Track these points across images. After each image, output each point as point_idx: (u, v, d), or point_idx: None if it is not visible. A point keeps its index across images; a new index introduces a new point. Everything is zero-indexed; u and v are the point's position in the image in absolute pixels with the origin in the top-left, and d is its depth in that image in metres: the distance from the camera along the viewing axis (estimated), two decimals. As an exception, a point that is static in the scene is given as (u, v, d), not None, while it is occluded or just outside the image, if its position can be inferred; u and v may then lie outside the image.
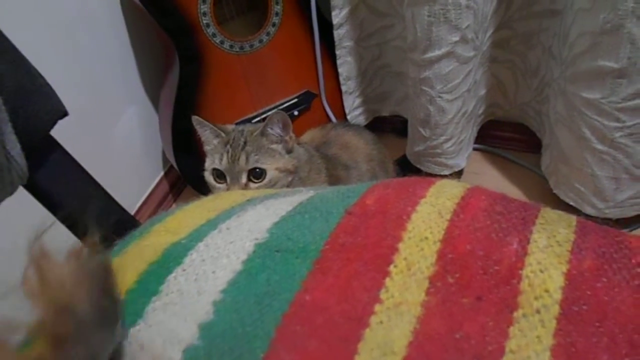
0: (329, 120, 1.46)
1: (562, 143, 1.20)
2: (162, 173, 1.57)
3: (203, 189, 1.42)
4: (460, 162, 1.36)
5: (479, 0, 1.09)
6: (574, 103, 1.10)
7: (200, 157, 1.36)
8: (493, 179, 1.47)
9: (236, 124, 1.35)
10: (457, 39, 1.10)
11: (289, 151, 0.96)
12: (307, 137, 1.14)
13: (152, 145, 1.52)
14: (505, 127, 1.50)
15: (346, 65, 1.41)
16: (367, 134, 1.17)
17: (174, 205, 1.58)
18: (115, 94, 1.37)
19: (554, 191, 1.29)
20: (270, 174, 0.92)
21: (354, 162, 1.11)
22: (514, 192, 1.43)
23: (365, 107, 1.51)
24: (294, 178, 0.96)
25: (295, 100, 1.40)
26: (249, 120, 1.37)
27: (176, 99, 1.31)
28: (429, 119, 1.26)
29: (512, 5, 1.22)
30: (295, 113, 1.41)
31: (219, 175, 0.93)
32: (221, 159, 0.92)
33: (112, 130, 1.38)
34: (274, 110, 1.38)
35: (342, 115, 1.49)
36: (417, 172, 1.44)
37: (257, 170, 0.91)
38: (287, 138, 0.95)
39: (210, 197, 0.54)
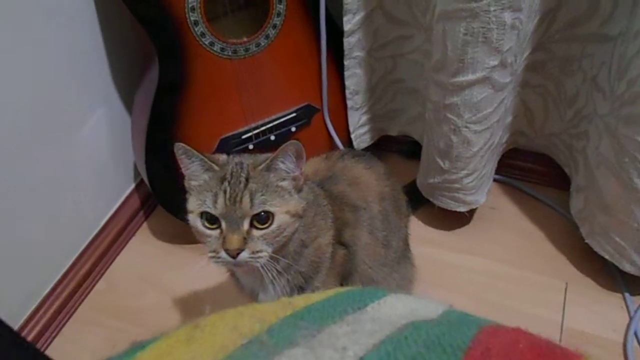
0: (330, 138, 1.27)
1: (603, 189, 1.03)
2: (132, 185, 1.36)
3: (178, 212, 1.23)
4: (480, 198, 1.19)
5: (523, 19, 0.91)
6: (627, 148, 0.93)
7: (178, 175, 1.16)
8: (511, 216, 1.31)
9: (222, 140, 1.16)
10: (495, 63, 0.92)
11: (299, 190, 0.77)
12: (309, 168, 0.95)
13: (123, 153, 1.31)
14: (527, 156, 1.33)
15: (354, 78, 1.22)
16: (379, 167, 0.99)
17: (144, 225, 1.38)
18: (81, 94, 1.16)
19: (586, 240, 1.12)
20: (279, 218, 0.73)
21: (364, 201, 0.92)
22: (535, 233, 1.27)
23: (372, 125, 1.33)
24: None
25: (294, 114, 1.21)
26: (238, 136, 1.17)
27: (153, 106, 1.10)
28: (449, 150, 1.08)
29: (554, 24, 1.04)
30: (293, 129, 1.21)
31: (211, 220, 0.74)
32: (215, 201, 0.72)
33: (76, 135, 1.16)
34: (269, 124, 1.19)
35: (345, 133, 1.30)
36: (426, 203, 1.26)
37: (264, 214, 0.73)
38: (299, 174, 0.76)
39: (220, 318, 0.38)
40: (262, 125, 1.18)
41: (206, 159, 0.74)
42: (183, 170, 0.77)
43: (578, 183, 1.15)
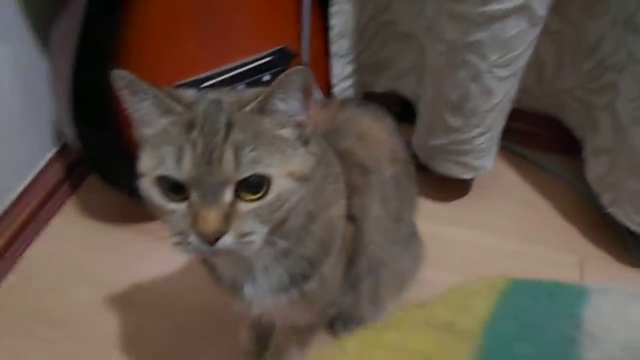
0: (308, 92, 1.04)
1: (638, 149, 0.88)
2: (53, 151, 1.07)
3: (120, 181, 0.96)
4: (489, 163, 1.01)
5: None
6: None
7: (118, 131, 0.89)
8: (515, 185, 1.15)
9: (178, 87, 0.89)
10: (542, -15, 0.73)
11: (306, 142, 0.53)
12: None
13: (38, 109, 1.01)
14: (530, 119, 1.16)
15: (342, 16, 0.99)
16: (389, 121, 0.77)
17: (70, 201, 1.09)
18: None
19: (609, 209, 0.97)
20: (279, 184, 0.49)
21: (374, 162, 0.71)
22: (542, 204, 1.11)
23: (357, 78, 1.11)
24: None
25: (268, 59, 0.96)
26: (197, 84, 0.91)
27: (81, 41, 0.82)
28: (464, 103, 0.88)
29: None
30: (266, 78, 0.97)
31: (174, 187, 0.49)
32: (180, 159, 0.47)
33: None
34: (237, 70, 0.93)
35: (326, 85, 1.07)
36: (421, 170, 1.06)
37: (255, 178, 0.48)
38: (306, 119, 0.52)
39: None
40: (227, 72, 0.93)
41: (162, 95, 0.49)
42: (129, 112, 0.51)
43: (599, 145, 1.00)
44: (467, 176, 1.01)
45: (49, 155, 1.05)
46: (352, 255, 0.69)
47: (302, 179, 0.52)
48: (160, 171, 0.48)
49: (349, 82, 1.10)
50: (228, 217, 0.48)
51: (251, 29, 0.92)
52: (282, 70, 0.99)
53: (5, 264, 0.97)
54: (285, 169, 0.50)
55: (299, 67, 0.48)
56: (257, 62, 0.95)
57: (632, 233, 0.98)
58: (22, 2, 0.93)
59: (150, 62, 0.87)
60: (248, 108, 0.49)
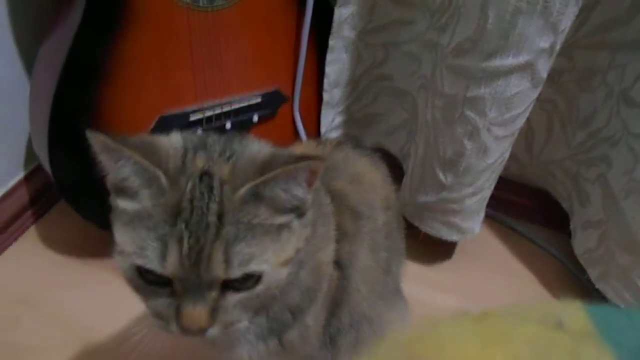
0: (296, 137, 1.01)
1: (632, 223, 0.86)
2: (21, 175, 1.00)
3: (93, 215, 0.89)
4: (476, 226, 0.98)
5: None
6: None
7: (93, 161, 0.84)
8: (498, 254, 1.11)
9: (162, 118, 0.85)
10: (546, 45, 0.72)
11: (303, 214, 0.48)
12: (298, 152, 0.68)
13: (9, 129, 0.95)
14: (517, 189, 1.14)
15: (337, 64, 0.98)
16: (382, 166, 0.74)
17: (31, 229, 1.01)
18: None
19: (597, 285, 0.94)
20: (271, 276, 0.45)
21: (368, 207, 0.66)
22: (525, 275, 1.08)
23: (346, 131, 1.09)
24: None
25: (259, 100, 0.93)
26: (184, 116, 0.87)
27: (67, 62, 0.78)
28: (458, 160, 0.86)
29: (585, 25, 0.88)
30: (255, 119, 0.94)
31: (156, 281, 0.44)
32: (163, 254, 0.41)
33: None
34: (227, 107, 0.88)
35: (314, 134, 1.05)
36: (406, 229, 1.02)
37: (246, 276, 0.43)
38: (307, 198, 0.47)
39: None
40: (217, 107, 0.90)
41: (145, 162, 0.42)
42: (107, 178, 0.46)
43: (588, 218, 0.98)
44: (453, 238, 0.98)
45: (14, 180, 0.98)
46: (335, 306, 0.63)
47: (292, 259, 0.47)
48: (141, 262, 0.42)
49: (337, 133, 1.08)
50: (214, 312, 0.44)
51: (246, 65, 0.90)
52: (272, 114, 0.97)
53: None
54: (279, 259, 0.45)
55: (309, 161, 0.44)
56: (249, 101, 0.92)
57: (619, 311, 0.95)
58: (9, 17, 0.90)
59: (138, 88, 0.83)
60: (242, 191, 0.43)
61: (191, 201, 0.42)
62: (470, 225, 0.96)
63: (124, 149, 0.42)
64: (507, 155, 0.89)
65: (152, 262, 0.42)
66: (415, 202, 0.96)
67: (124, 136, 0.43)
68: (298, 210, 0.47)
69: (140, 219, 0.42)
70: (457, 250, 1.09)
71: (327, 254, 0.57)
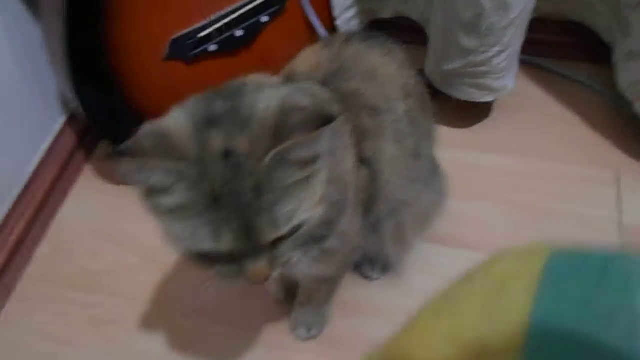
0: (310, 27, 0.98)
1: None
2: (63, 119, 1.05)
3: (126, 139, 0.93)
4: (510, 82, 0.95)
5: None
6: None
7: (119, 87, 0.86)
8: (539, 101, 1.09)
9: (174, 41, 0.85)
10: None
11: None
12: (303, 64, 0.67)
13: (40, 79, 0.99)
14: (552, 27, 1.08)
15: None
16: (398, 52, 0.72)
17: (87, 167, 1.08)
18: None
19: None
20: (311, 216, 0.50)
21: (385, 101, 0.67)
22: (570, 118, 1.06)
23: (361, 7, 1.04)
24: None
25: (263, -1, 0.90)
26: (194, 35, 0.86)
27: (69, 6, 0.78)
28: (478, 22, 0.82)
29: None
30: (264, 19, 0.92)
31: (214, 256, 0.48)
32: (216, 235, 0.45)
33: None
34: (233, 15, 0.86)
35: (328, 19, 1.01)
36: (437, 97, 1.00)
37: (293, 228, 0.48)
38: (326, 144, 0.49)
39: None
40: (223, 18, 0.88)
41: (169, 163, 0.45)
42: (138, 187, 0.48)
43: (630, 48, 0.92)
44: (486, 99, 0.96)
45: (60, 124, 1.04)
46: (370, 201, 0.67)
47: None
48: (197, 246, 0.47)
49: (352, 12, 1.03)
50: (272, 262, 0.49)
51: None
52: (280, 10, 0.94)
53: (35, 236, 0.98)
54: (314, 202, 0.49)
55: (309, 108, 0.47)
56: (252, 2, 0.89)
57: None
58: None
59: (144, 15, 0.82)
60: (267, 161, 0.44)
61: (225, 184, 0.44)
62: (503, 83, 0.94)
63: (146, 162, 0.44)
64: (531, 4, 0.84)
65: (207, 244, 0.46)
66: (442, 70, 0.94)
67: (138, 142, 0.45)
68: (321, 156, 0.49)
69: (182, 210, 0.46)
70: (495, 105, 1.07)
71: (347, 163, 0.59)
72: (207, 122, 0.47)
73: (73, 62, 0.82)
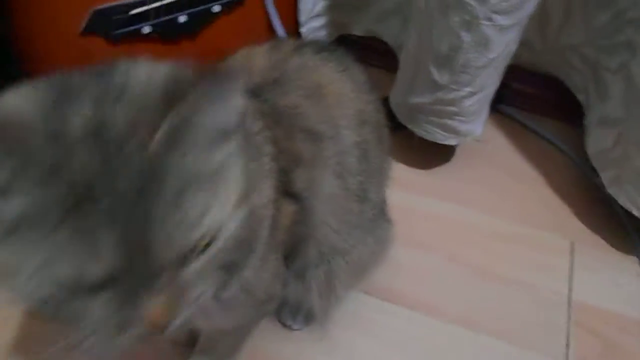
0: (270, 30, 0.87)
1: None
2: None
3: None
4: (477, 128, 0.87)
5: None
6: None
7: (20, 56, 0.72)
8: (504, 153, 1.01)
9: (96, 13, 0.72)
10: None
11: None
12: (237, 65, 0.55)
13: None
14: (528, 79, 1.01)
15: None
16: (357, 72, 0.61)
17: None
18: None
19: (608, 190, 0.85)
20: (227, 227, 0.35)
21: (331, 126, 0.55)
22: (533, 176, 0.99)
23: (331, 18, 0.94)
24: None
25: (219, -17, 0.78)
26: (124, 9, 0.73)
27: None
28: (454, 56, 0.73)
29: None
30: (216, 9, 0.79)
31: (87, 288, 0.31)
32: (88, 247, 0.30)
33: None
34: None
35: (292, 24, 0.90)
36: (398, 129, 0.90)
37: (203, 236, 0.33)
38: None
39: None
40: (163, -2, 0.75)
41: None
42: None
43: (605, 114, 0.86)
44: (450, 142, 0.87)
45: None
46: (297, 243, 0.55)
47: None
48: (56, 277, 0.30)
49: (320, 21, 0.93)
50: (176, 296, 0.34)
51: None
52: (237, 3, 0.82)
53: None
54: (230, 201, 0.35)
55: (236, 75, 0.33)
56: (205, -14, 0.77)
57: (631, 217, 0.86)
58: None
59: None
60: (157, 140, 0.30)
61: (95, 174, 0.30)
62: (471, 128, 0.85)
63: None
64: (513, 47, 0.76)
65: (73, 268, 0.30)
66: (408, 102, 0.85)
67: None
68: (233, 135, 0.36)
69: (28, 223, 0.30)
70: (458, 150, 0.99)
71: (262, 195, 0.46)
72: (65, 97, 0.32)
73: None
